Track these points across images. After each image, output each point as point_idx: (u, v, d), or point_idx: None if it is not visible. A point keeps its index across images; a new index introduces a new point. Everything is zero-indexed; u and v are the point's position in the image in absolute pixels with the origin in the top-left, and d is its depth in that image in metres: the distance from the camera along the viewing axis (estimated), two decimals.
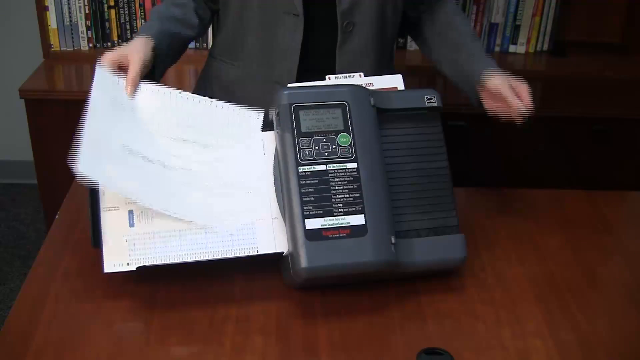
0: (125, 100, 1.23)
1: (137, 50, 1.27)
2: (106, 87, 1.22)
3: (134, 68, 1.25)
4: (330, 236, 1.12)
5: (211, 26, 2.43)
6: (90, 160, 1.11)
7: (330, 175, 1.15)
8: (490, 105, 1.37)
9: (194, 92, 1.64)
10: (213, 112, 1.26)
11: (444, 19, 1.50)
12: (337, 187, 1.15)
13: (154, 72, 1.34)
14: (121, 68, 1.26)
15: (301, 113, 1.18)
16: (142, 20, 2.43)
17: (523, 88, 1.32)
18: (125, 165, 1.16)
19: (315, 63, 1.42)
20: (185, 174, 1.21)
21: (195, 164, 1.22)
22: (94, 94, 1.20)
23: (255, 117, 1.26)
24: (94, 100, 1.19)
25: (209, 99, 1.27)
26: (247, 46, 1.45)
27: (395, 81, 1.31)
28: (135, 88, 1.24)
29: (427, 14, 1.51)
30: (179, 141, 1.23)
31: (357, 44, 1.41)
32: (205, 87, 1.59)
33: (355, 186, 1.15)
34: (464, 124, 2.22)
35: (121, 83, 1.24)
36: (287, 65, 1.42)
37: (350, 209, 1.14)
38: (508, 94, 1.31)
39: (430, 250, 1.19)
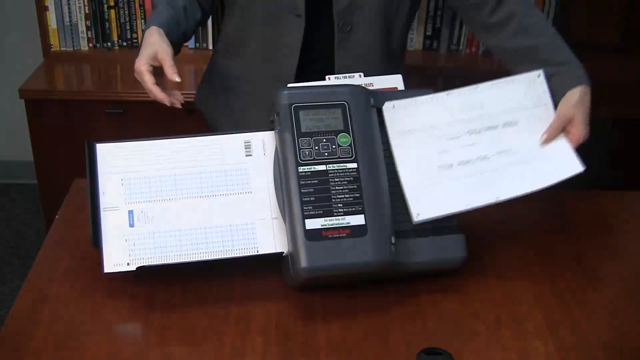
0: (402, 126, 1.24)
1: (162, 48, 1.28)
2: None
3: (168, 61, 1.26)
4: (330, 236, 1.12)
5: (215, 25, 2.44)
6: (423, 203, 1.19)
7: (330, 175, 1.16)
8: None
9: (199, 89, 1.66)
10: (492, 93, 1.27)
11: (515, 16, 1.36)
12: (337, 187, 1.15)
13: None
14: (156, 69, 1.27)
15: (301, 113, 1.17)
16: (142, 21, 2.43)
17: (578, 135, 1.25)
18: (451, 182, 1.21)
19: (315, 63, 1.43)
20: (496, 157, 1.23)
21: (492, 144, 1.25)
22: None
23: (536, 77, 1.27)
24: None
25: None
26: (250, 43, 1.46)
27: (395, 81, 1.31)
28: (176, 73, 1.25)
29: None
30: (469, 133, 1.25)
31: (356, 45, 1.41)
32: (208, 82, 1.61)
33: (355, 186, 1.15)
34: None
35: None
36: (287, 63, 1.43)
37: (350, 209, 1.14)
38: (556, 129, 1.25)
39: (430, 250, 1.19)
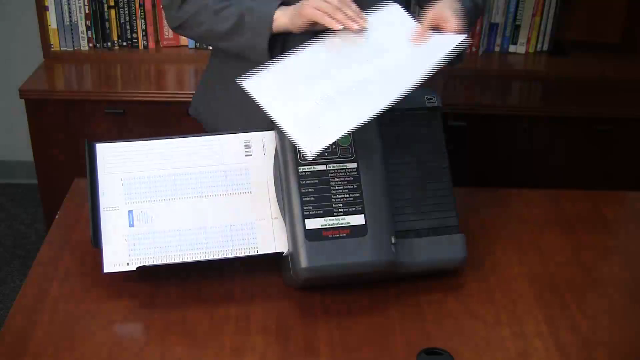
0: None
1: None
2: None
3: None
4: (330, 236, 1.12)
5: None
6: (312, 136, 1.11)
7: (330, 175, 1.15)
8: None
9: (198, 90, 1.65)
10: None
11: None
12: (337, 187, 1.15)
13: None
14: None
15: None
16: (142, 20, 2.43)
17: (453, 27, 1.23)
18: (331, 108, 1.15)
19: None
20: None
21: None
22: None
23: None
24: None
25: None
26: None
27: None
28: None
29: None
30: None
31: None
32: (205, 88, 1.60)
33: (355, 186, 1.15)
34: (464, 124, 2.22)
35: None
36: None
37: (350, 209, 1.14)
38: (425, 27, 1.25)
39: (430, 250, 1.19)
